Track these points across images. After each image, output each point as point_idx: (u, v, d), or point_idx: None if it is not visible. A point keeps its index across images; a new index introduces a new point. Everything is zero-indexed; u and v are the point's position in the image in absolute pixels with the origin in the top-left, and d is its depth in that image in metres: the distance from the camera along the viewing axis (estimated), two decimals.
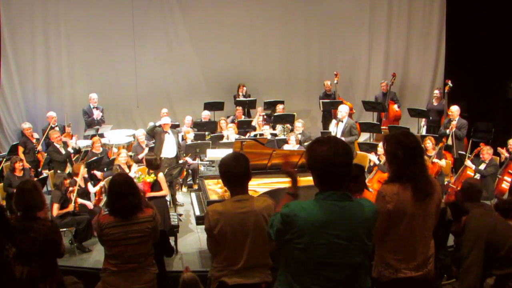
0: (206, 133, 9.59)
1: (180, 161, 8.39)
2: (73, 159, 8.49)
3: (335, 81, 10.76)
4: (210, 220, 2.98)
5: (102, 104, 10.28)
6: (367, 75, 12.17)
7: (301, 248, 2.38)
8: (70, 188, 6.63)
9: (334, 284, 2.41)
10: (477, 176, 7.44)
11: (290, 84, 12.00)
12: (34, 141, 8.90)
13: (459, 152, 8.43)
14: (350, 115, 9.53)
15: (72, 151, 8.41)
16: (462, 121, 8.74)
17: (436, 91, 10.25)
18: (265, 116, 10.36)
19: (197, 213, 6.05)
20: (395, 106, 10.73)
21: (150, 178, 6.51)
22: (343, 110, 8.38)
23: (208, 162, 8.81)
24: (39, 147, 8.97)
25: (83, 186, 7.07)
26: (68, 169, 8.07)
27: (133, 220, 3.48)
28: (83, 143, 9.29)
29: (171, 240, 5.92)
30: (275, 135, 9.58)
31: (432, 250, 3.13)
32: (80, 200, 6.78)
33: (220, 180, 5.29)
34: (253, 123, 10.40)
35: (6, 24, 10.23)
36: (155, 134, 8.48)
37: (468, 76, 10.39)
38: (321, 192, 2.44)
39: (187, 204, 8.00)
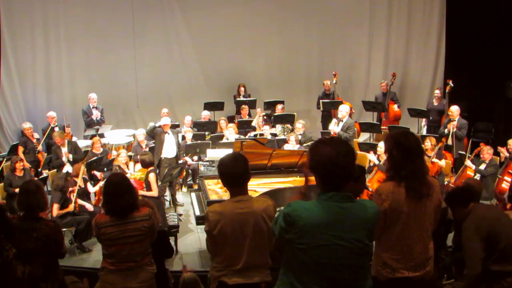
0: (206, 133, 9.59)
1: (180, 161, 8.38)
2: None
3: (334, 81, 10.76)
4: (210, 221, 2.98)
5: (102, 104, 10.28)
6: (367, 75, 12.17)
7: (303, 249, 2.37)
8: (70, 189, 6.64)
9: (335, 285, 2.40)
10: (477, 176, 7.44)
11: (290, 84, 12.00)
12: (34, 141, 8.91)
13: (459, 152, 8.43)
14: (349, 115, 9.54)
15: (65, 161, 8.29)
16: (462, 121, 8.74)
17: (437, 91, 10.25)
18: (265, 117, 10.36)
19: (197, 213, 6.05)
20: (395, 106, 10.73)
21: (138, 175, 6.61)
22: (343, 110, 8.39)
23: (208, 162, 8.81)
24: (40, 147, 8.98)
25: (82, 186, 7.07)
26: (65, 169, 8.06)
27: (129, 219, 3.50)
28: (83, 143, 9.28)
29: (171, 240, 5.92)
30: (275, 135, 9.58)
31: (431, 252, 3.12)
32: (80, 201, 6.78)
33: (220, 180, 5.30)
34: (253, 123, 10.40)
35: (6, 24, 10.22)
36: (155, 135, 8.48)
37: (468, 76, 10.40)
38: (323, 192, 2.44)
39: (187, 204, 8.01)
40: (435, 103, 10.06)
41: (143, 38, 11.20)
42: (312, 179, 2.57)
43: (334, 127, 8.41)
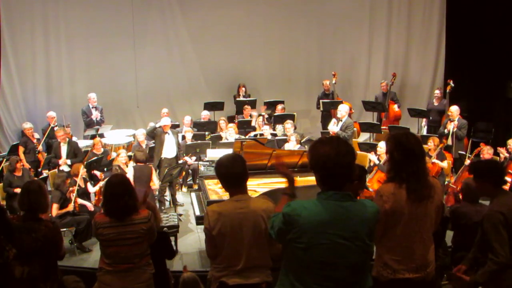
0: (206, 133, 9.59)
1: (180, 161, 8.38)
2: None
3: (333, 81, 10.76)
4: (209, 221, 2.97)
5: (102, 104, 10.28)
6: (367, 75, 12.17)
7: (303, 248, 2.38)
8: (70, 188, 6.64)
9: (336, 284, 2.41)
10: None
11: (290, 84, 12.00)
12: (34, 141, 8.90)
13: (459, 152, 8.43)
14: (349, 115, 9.54)
15: (61, 163, 8.21)
16: (462, 121, 8.74)
17: (437, 91, 10.25)
18: (265, 117, 10.36)
19: (197, 213, 6.06)
20: (395, 106, 10.73)
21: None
22: (342, 110, 8.40)
23: (208, 162, 8.81)
24: (40, 147, 8.97)
25: (82, 186, 7.07)
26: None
27: (127, 221, 3.49)
28: (83, 143, 9.28)
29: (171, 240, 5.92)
30: (275, 135, 9.58)
31: (432, 254, 3.12)
32: (80, 201, 6.78)
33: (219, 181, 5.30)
34: (253, 123, 10.39)
35: (6, 24, 10.22)
36: (155, 135, 8.48)
37: (468, 76, 10.40)
38: (323, 192, 2.44)
39: (187, 204, 8.01)
40: (435, 103, 10.06)
41: (143, 38, 11.20)
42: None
43: (333, 127, 8.42)
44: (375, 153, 7.97)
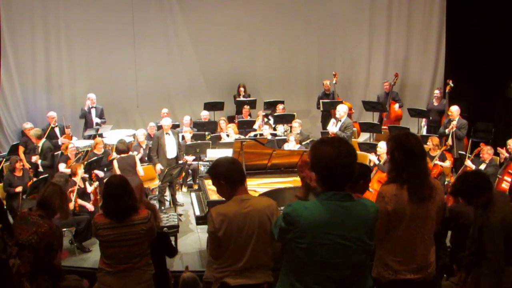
0: (206, 133, 9.59)
1: (180, 161, 8.38)
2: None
3: (334, 81, 10.77)
4: (214, 223, 2.92)
5: (102, 104, 10.28)
6: (367, 75, 12.17)
7: (304, 248, 2.37)
8: (70, 189, 6.64)
9: (336, 284, 2.41)
10: None
11: (290, 84, 12.00)
12: (34, 141, 8.88)
13: (459, 152, 8.43)
14: (349, 115, 9.53)
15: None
16: (462, 121, 8.74)
17: (437, 91, 10.25)
18: (265, 117, 10.35)
19: (197, 213, 6.05)
20: (396, 106, 10.72)
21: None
22: (341, 110, 8.40)
23: (208, 162, 8.81)
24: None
25: (82, 186, 7.07)
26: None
27: (127, 222, 3.48)
28: (83, 143, 9.27)
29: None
30: (275, 135, 9.58)
31: (433, 255, 3.12)
32: (80, 201, 6.78)
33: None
34: (255, 126, 10.34)
35: (6, 24, 10.22)
36: (155, 138, 8.48)
37: (468, 76, 10.39)
38: (324, 192, 2.44)
39: (187, 204, 8.01)
40: (435, 103, 10.06)
41: (143, 38, 11.20)
42: (296, 179, 2.55)
43: (332, 127, 8.42)
44: (375, 153, 7.97)
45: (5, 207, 7.00)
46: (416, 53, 11.87)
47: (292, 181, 6.51)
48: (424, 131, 10.06)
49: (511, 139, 7.81)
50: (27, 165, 8.27)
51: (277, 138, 9.17)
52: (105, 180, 7.01)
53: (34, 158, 8.09)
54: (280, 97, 11.04)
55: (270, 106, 10.79)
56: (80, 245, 6.59)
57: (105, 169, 8.33)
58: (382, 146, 7.57)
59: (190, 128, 9.66)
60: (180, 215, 7.56)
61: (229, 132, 9.32)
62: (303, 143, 8.72)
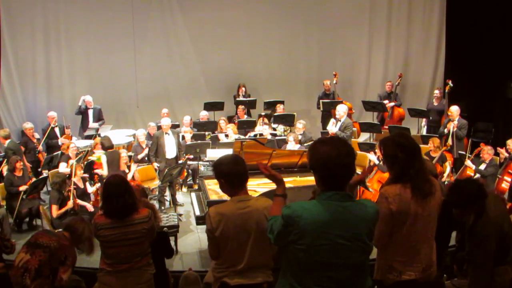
0: (207, 133, 9.58)
1: (180, 161, 8.38)
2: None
3: (334, 81, 10.76)
4: (212, 222, 2.95)
5: (102, 104, 10.28)
6: (367, 75, 12.17)
7: (304, 249, 2.37)
8: (68, 188, 6.64)
9: (336, 285, 2.41)
10: (477, 176, 7.44)
11: (290, 84, 11.99)
12: (35, 141, 8.90)
13: (459, 152, 8.43)
14: (349, 115, 9.53)
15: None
16: (462, 121, 8.74)
17: (436, 91, 10.25)
18: (265, 118, 10.34)
19: (197, 213, 6.05)
20: (391, 104, 10.70)
21: (97, 158, 7.57)
22: (340, 110, 8.40)
23: (208, 162, 8.82)
24: (40, 147, 8.97)
25: (82, 186, 7.07)
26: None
27: (128, 221, 3.49)
28: (83, 143, 9.28)
29: (171, 240, 5.92)
30: (275, 135, 9.57)
31: (435, 253, 3.13)
32: (80, 202, 6.78)
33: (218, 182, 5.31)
34: (258, 127, 10.29)
35: (6, 24, 10.22)
36: (155, 138, 8.47)
37: (468, 76, 10.39)
38: (323, 192, 2.44)
39: (187, 204, 8.00)
40: (435, 103, 10.07)
41: (143, 38, 11.19)
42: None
43: (332, 127, 8.42)
44: (375, 153, 7.97)
45: (5, 207, 7.04)
46: (416, 53, 11.88)
47: (292, 181, 6.52)
48: (424, 131, 10.07)
49: (510, 139, 7.81)
50: (29, 165, 8.29)
51: (277, 138, 9.16)
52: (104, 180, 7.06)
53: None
54: (280, 97, 11.04)
55: (270, 106, 10.78)
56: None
57: None
58: None
59: (190, 128, 9.66)
60: (180, 215, 7.56)
61: (228, 133, 9.31)
62: (305, 144, 8.71)
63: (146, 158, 8.76)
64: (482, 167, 7.54)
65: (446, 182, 7.76)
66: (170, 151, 8.32)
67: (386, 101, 10.66)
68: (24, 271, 3.49)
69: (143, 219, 3.54)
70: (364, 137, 10.58)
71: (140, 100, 11.37)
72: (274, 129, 9.98)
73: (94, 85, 10.83)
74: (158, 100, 11.10)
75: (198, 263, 6.20)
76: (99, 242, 3.60)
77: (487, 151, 7.56)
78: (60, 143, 9.03)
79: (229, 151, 6.98)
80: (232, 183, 3.01)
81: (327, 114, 10.54)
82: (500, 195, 7.09)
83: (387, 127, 10.09)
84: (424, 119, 10.25)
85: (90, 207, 6.88)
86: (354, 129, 9.34)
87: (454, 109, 8.74)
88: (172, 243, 5.88)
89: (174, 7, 11.38)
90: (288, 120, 9.87)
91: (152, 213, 3.65)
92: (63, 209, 6.53)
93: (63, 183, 6.63)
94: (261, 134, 9.48)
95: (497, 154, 7.91)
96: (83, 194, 7.04)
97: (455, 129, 8.59)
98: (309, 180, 6.30)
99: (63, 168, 7.78)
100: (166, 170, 7.52)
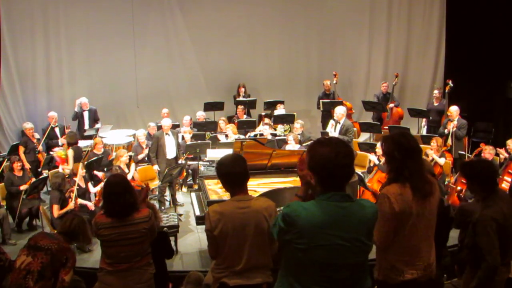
0: (207, 133, 9.58)
1: (180, 161, 8.38)
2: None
3: (334, 81, 10.77)
4: (211, 221, 2.96)
5: (102, 104, 10.28)
6: (367, 75, 12.18)
7: (302, 249, 2.37)
8: (69, 188, 6.64)
9: (335, 285, 2.41)
10: None
11: (290, 84, 12.00)
12: (35, 141, 8.90)
13: (459, 152, 8.43)
14: (349, 115, 9.53)
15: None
16: (462, 121, 8.74)
17: (436, 91, 10.25)
18: (265, 118, 10.33)
19: (197, 213, 6.05)
20: (391, 105, 10.71)
21: (62, 153, 7.83)
22: (338, 112, 8.39)
23: (208, 162, 8.81)
24: (40, 147, 8.97)
25: (83, 186, 7.07)
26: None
27: (128, 221, 3.49)
28: (83, 143, 9.27)
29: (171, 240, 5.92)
30: (275, 135, 9.57)
31: (434, 252, 3.13)
32: (80, 201, 6.78)
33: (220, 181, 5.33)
34: (259, 128, 10.28)
35: (6, 24, 10.22)
36: (155, 138, 8.46)
37: (468, 76, 10.40)
38: (322, 193, 2.44)
39: (187, 204, 8.01)
40: (435, 103, 10.07)
41: (143, 38, 11.20)
42: (296, 179, 2.54)
43: (332, 131, 8.40)
44: (375, 153, 7.97)
45: (5, 207, 7.04)
46: (416, 53, 11.89)
47: (292, 181, 6.51)
48: (424, 131, 10.07)
49: (510, 139, 7.81)
50: (28, 165, 8.29)
51: (277, 138, 9.16)
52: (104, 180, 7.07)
53: None
54: (280, 97, 11.04)
55: (270, 106, 10.78)
56: (80, 245, 6.58)
57: (105, 169, 8.34)
58: (380, 147, 7.57)
59: (190, 128, 9.66)
60: (180, 215, 7.56)
61: (228, 133, 9.31)
62: (304, 144, 8.71)
63: (146, 158, 8.76)
64: None
65: (446, 182, 7.77)
66: (170, 151, 8.31)
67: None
68: (26, 273, 3.49)
69: (143, 218, 3.54)
70: (364, 137, 10.59)
71: (140, 100, 11.38)
72: (275, 129, 9.98)
73: (94, 85, 10.83)
74: (158, 100, 11.10)
75: (198, 263, 6.21)
76: (99, 241, 3.61)
77: (488, 151, 7.55)
78: (60, 143, 9.03)
79: (229, 151, 6.98)
80: (232, 183, 3.03)
81: (327, 114, 10.54)
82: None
83: (387, 127, 10.09)
84: (424, 119, 10.25)
85: (91, 205, 6.88)
86: (354, 129, 9.34)
87: (454, 109, 8.74)
88: (172, 243, 5.88)
89: (174, 8, 11.38)
90: (288, 120, 9.87)
91: (152, 213, 3.65)
92: (64, 210, 6.52)
93: (62, 182, 6.62)
94: (261, 134, 9.48)
95: (497, 154, 7.91)
96: (83, 193, 7.04)
97: (454, 129, 8.59)
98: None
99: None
100: (166, 170, 7.52)
